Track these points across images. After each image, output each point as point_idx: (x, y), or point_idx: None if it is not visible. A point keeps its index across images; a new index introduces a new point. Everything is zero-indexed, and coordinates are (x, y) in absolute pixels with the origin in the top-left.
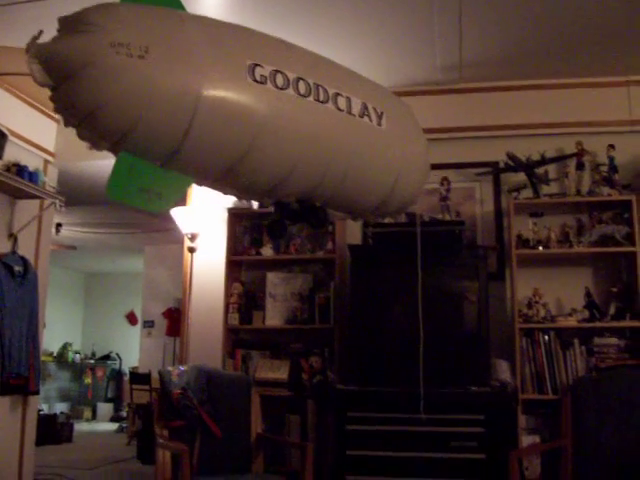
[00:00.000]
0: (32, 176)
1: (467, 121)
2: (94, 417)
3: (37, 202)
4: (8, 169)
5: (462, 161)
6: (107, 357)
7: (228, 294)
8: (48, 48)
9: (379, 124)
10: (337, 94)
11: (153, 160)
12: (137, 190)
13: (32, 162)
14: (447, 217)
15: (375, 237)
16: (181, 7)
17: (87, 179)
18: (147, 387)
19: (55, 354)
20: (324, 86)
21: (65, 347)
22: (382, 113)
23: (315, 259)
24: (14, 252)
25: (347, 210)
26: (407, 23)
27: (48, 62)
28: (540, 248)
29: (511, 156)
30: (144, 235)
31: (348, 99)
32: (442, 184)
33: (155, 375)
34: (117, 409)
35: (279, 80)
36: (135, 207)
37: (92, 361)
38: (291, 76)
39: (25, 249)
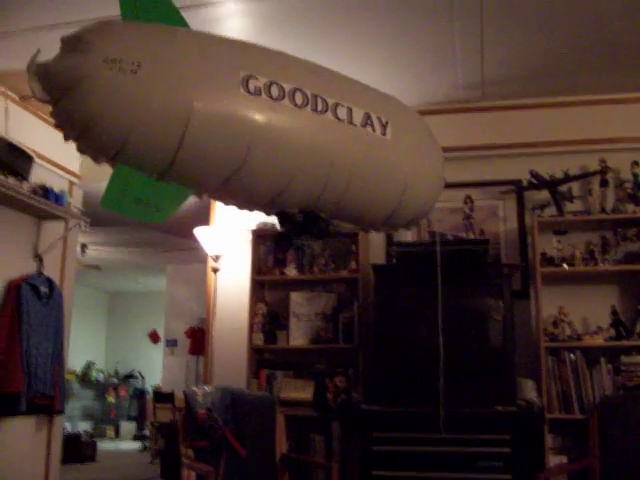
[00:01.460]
0: (58, 198)
1: (490, 139)
2: (117, 436)
3: (62, 223)
4: (34, 191)
5: (485, 179)
6: (130, 376)
7: (252, 314)
8: (46, 66)
9: (383, 134)
10: (337, 104)
11: (149, 172)
12: (133, 201)
13: (58, 184)
14: (471, 235)
15: (399, 256)
16: (184, 24)
17: None
18: (170, 406)
19: (79, 373)
20: (323, 96)
21: (89, 366)
22: (387, 123)
23: (339, 279)
24: (40, 273)
25: (355, 221)
26: (429, 42)
27: (46, 79)
28: (565, 266)
29: (534, 174)
30: (167, 254)
31: (349, 109)
32: (466, 202)
33: (178, 394)
34: (140, 428)
35: (274, 91)
36: (131, 218)
37: (115, 380)
38: (287, 87)
39: (51, 270)
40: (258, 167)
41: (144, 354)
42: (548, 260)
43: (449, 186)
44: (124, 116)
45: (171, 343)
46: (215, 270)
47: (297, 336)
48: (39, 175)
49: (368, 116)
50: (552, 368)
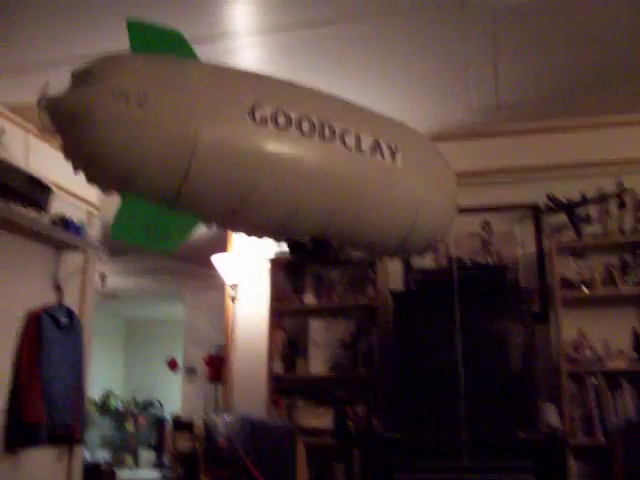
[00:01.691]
0: (77, 229)
1: (506, 163)
2: (136, 464)
3: (82, 254)
4: (54, 222)
5: (502, 203)
6: (149, 404)
7: (271, 342)
8: (56, 99)
9: (393, 160)
10: (345, 131)
11: (157, 202)
12: (142, 230)
13: (77, 215)
14: (489, 260)
15: (417, 282)
16: (194, 55)
17: None
18: (189, 434)
19: (97, 401)
20: (330, 124)
21: (107, 394)
22: (397, 149)
23: (357, 306)
24: (60, 303)
25: (367, 249)
26: (443, 68)
27: (56, 112)
28: (584, 289)
29: (551, 198)
30: (184, 282)
31: (357, 136)
32: (483, 228)
33: (197, 422)
34: (159, 456)
35: (280, 120)
36: (141, 247)
37: (134, 408)
38: (294, 115)
39: (70, 300)
40: (265, 196)
41: (162, 382)
42: (567, 283)
43: (466, 211)
44: (130, 147)
45: (190, 371)
46: (234, 298)
47: (316, 364)
48: (58, 206)
49: (377, 143)
50: (574, 393)
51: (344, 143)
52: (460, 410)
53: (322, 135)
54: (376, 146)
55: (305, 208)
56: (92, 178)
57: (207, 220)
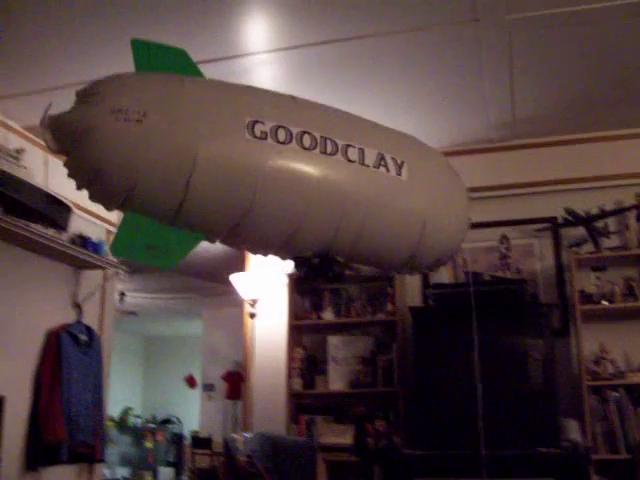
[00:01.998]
0: (96, 247)
1: (523, 177)
2: None
3: (101, 272)
4: (73, 241)
5: (520, 217)
6: (167, 421)
7: (290, 359)
8: (59, 118)
9: (399, 174)
10: (348, 145)
11: (158, 219)
12: (143, 247)
13: (95, 233)
14: (508, 275)
15: (436, 298)
16: (199, 74)
17: None
18: (208, 451)
19: (116, 419)
20: (333, 138)
21: (126, 412)
22: (403, 163)
23: (376, 321)
24: (79, 321)
25: (375, 264)
26: (459, 83)
27: (58, 131)
28: (604, 303)
29: (570, 211)
30: (202, 299)
31: (361, 150)
32: (501, 242)
33: (216, 439)
34: (178, 473)
35: (281, 135)
36: (142, 263)
37: (153, 425)
38: (294, 130)
39: (90, 318)
40: (266, 211)
41: (181, 399)
42: (587, 297)
43: (484, 225)
44: (129, 165)
45: (208, 387)
46: (252, 315)
47: (336, 380)
48: (77, 225)
49: (382, 156)
50: (595, 407)
51: (347, 157)
52: (480, 426)
53: (324, 149)
54: (380, 159)
55: (308, 223)
56: (95, 196)
57: (209, 237)
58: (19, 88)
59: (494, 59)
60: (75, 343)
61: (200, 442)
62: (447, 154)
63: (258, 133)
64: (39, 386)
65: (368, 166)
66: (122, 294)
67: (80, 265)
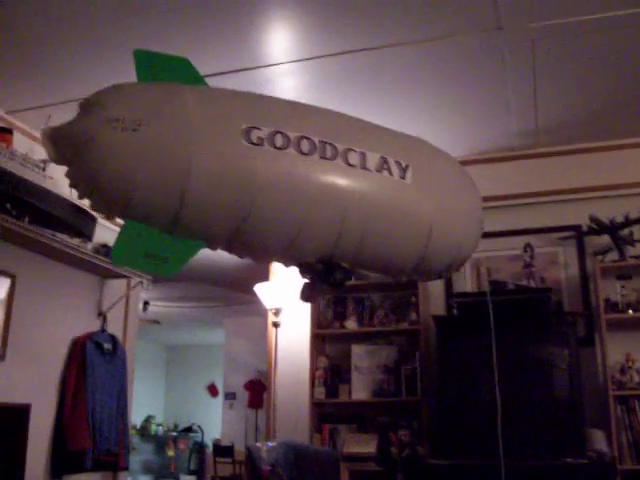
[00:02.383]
0: None
1: (546, 185)
2: None
3: (125, 280)
4: (97, 250)
5: (544, 226)
6: (189, 429)
7: (313, 368)
8: (59, 129)
9: (402, 177)
10: (348, 150)
11: (157, 227)
12: (143, 255)
13: None
14: (532, 283)
15: (459, 307)
16: (203, 82)
17: None
18: (230, 460)
19: (138, 427)
20: (333, 143)
21: (148, 420)
22: (407, 166)
23: (399, 331)
24: (103, 330)
25: (381, 270)
26: (481, 91)
27: (59, 142)
28: (630, 312)
29: (594, 219)
30: (225, 308)
31: (362, 154)
32: (525, 250)
33: (238, 447)
34: None
35: (278, 140)
36: (141, 271)
37: (175, 433)
38: (292, 135)
39: (114, 327)
40: (265, 217)
41: (203, 407)
42: (612, 306)
43: (507, 234)
44: (126, 174)
45: (230, 396)
46: (276, 324)
47: (359, 389)
48: (101, 234)
49: (384, 160)
50: (621, 417)
51: (347, 161)
52: (505, 436)
53: (323, 154)
54: (383, 163)
55: (308, 228)
56: (95, 205)
57: (209, 244)
58: (44, 99)
59: (517, 67)
60: (100, 352)
61: (222, 450)
62: (470, 162)
63: (255, 139)
64: (64, 394)
65: (370, 170)
66: (146, 303)
67: (104, 274)
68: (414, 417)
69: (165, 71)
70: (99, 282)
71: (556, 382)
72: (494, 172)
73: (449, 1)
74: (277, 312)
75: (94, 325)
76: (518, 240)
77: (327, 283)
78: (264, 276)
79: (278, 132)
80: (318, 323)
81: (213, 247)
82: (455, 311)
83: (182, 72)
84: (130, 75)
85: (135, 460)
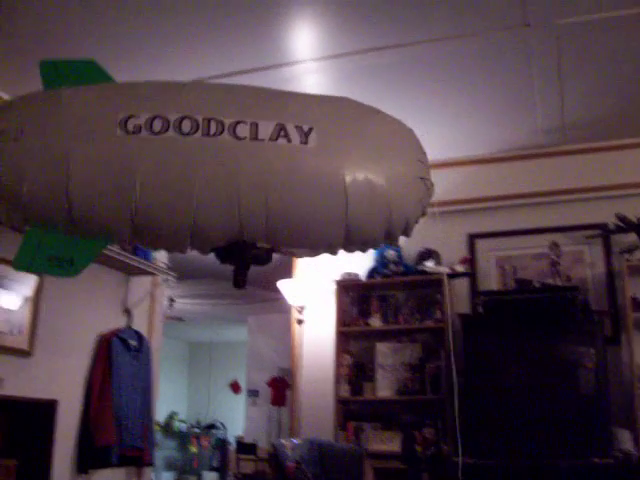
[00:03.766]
0: (146, 254)
1: (572, 183)
2: None
3: (150, 278)
4: (123, 248)
5: (570, 224)
6: (212, 426)
7: (338, 365)
8: None
9: (304, 142)
10: (237, 122)
11: (59, 230)
12: (46, 259)
13: None
14: (558, 282)
15: (485, 305)
16: (110, 80)
17: (194, 253)
18: (253, 457)
19: (161, 423)
20: (219, 118)
21: (171, 416)
22: (310, 129)
23: (424, 328)
24: (129, 327)
25: (308, 245)
26: (508, 90)
27: None
28: None
29: (621, 217)
30: (247, 305)
31: (254, 124)
32: (551, 249)
33: (261, 445)
34: (222, 478)
35: (156, 125)
36: (45, 274)
37: (197, 430)
38: (172, 117)
39: (139, 323)
40: (154, 206)
41: (225, 404)
42: (639, 305)
43: (533, 232)
44: (15, 183)
45: (253, 393)
46: (300, 322)
47: (383, 387)
48: None
49: (281, 127)
50: None
51: (235, 134)
52: (531, 435)
53: (207, 131)
54: (280, 131)
55: (203, 211)
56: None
57: (114, 240)
58: None
59: (544, 64)
60: (125, 348)
61: (245, 447)
62: (496, 160)
63: (131, 128)
64: (90, 390)
65: (262, 140)
66: (171, 300)
67: (130, 271)
68: (439, 415)
69: (70, 75)
70: (125, 279)
71: (582, 381)
72: (520, 170)
73: None
74: (301, 309)
75: (120, 322)
76: (544, 238)
77: (243, 266)
78: (288, 273)
79: (157, 117)
80: (342, 321)
81: (121, 243)
82: (480, 309)
83: (89, 73)
84: (156, 73)
85: (158, 456)
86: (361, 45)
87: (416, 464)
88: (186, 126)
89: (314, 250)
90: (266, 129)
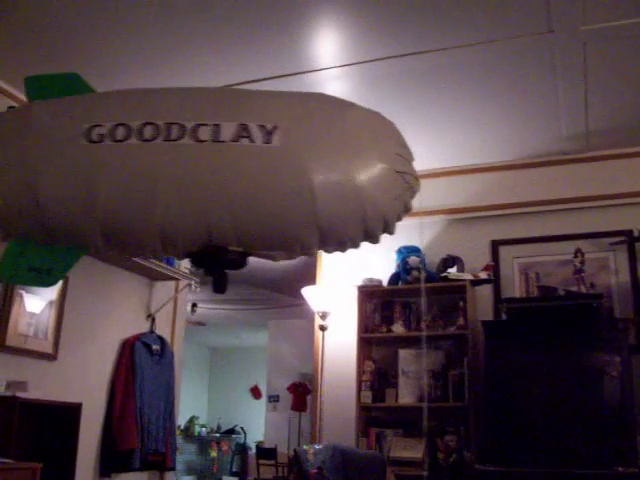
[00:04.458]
0: (169, 259)
1: (597, 190)
2: None
3: (173, 283)
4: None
5: (594, 231)
6: (232, 431)
7: (360, 372)
8: None
9: (267, 141)
10: (198, 125)
11: (37, 241)
12: (26, 270)
13: None
14: (582, 289)
15: (509, 312)
16: (92, 91)
17: None
18: (273, 462)
19: (182, 427)
20: (180, 122)
21: (192, 420)
22: (275, 128)
23: (446, 335)
24: (152, 331)
25: (282, 247)
26: (532, 96)
27: None
28: None
29: None
30: (268, 310)
31: (215, 126)
32: (576, 256)
33: (281, 450)
34: None
35: (119, 133)
36: (25, 285)
37: (217, 435)
38: (134, 124)
39: (162, 328)
40: (120, 215)
41: (246, 409)
42: None
43: (557, 239)
44: None
45: (273, 399)
46: (323, 328)
47: (406, 393)
48: None
49: (244, 127)
50: None
51: (196, 138)
52: (554, 443)
53: (167, 136)
54: (242, 131)
55: (169, 217)
56: None
57: (89, 249)
58: None
59: (568, 70)
60: (148, 353)
61: (265, 452)
62: (520, 166)
63: (95, 137)
64: (113, 394)
65: (223, 142)
66: (194, 305)
67: (153, 276)
68: (461, 422)
69: (54, 89)
70: (148, 284)
71: (607, 390)
72: (544, 176)
73: (500, 4)
74: (324, 315)
75: (143, 326)
76: (568, 245)
77: (217, 270)
78: (311, 279)
79: (119, 125)
80: (365, 327)
81: (96, 252)
82: (504, 316)
83: (72, 86)
84: (186, 80)
85: (178, 460)
86: (384, 52)
87: (438, 471)
88: (148, 132)
89: (289, 252)
90: (228, 130)
